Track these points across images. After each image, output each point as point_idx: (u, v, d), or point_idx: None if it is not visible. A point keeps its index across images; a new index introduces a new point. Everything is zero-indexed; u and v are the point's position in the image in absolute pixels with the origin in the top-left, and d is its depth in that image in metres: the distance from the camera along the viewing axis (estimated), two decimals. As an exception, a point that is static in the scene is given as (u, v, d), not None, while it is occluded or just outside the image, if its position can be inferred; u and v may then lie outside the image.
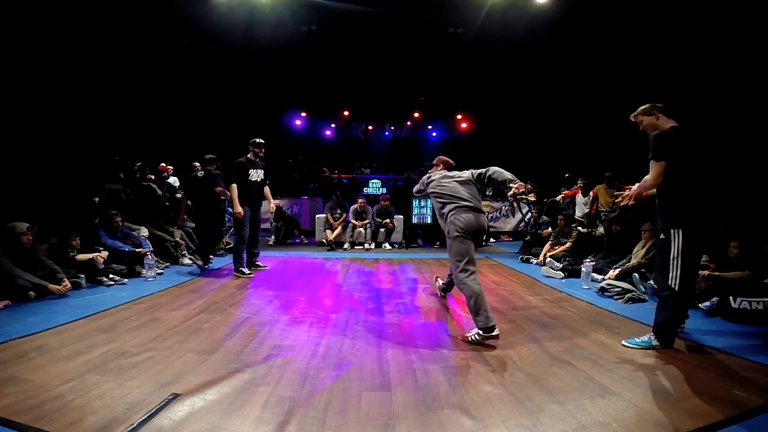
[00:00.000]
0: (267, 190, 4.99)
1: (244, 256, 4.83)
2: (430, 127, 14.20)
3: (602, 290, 4.04)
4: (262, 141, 4.83)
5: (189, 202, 5.71)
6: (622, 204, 2.79)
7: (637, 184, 2.64)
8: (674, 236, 2.49)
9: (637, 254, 4.28)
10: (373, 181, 10.60)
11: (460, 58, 9.48)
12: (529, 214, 8.39)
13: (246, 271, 4.72)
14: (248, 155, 4.81)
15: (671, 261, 2.49)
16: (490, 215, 8.73)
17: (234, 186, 4.65)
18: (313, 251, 6.81)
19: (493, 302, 3.76)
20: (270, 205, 5.07)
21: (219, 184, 4.94)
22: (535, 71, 9.50)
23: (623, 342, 2.70)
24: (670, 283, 2.50)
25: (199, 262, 5.11)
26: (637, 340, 2.67)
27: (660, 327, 2.61)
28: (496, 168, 3.06)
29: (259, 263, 5.11)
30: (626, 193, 2.74)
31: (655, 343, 2.61)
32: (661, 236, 2.56)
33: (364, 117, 13.80)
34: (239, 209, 4.59)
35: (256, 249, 5.07)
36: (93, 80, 7.30)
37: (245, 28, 7.79)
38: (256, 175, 4.79)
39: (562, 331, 2.96)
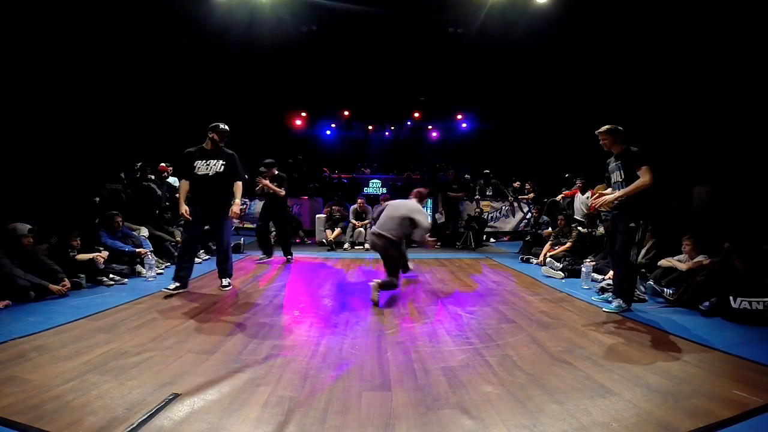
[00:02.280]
0: (238, 186, 4.05)
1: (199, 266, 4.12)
2: (430, 127, 14.20)
3: (602, 290, 4.04)
4: (220, 126, 3.92)
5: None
6: (598, 207, 3.56)
7: (624, 190, 3.34)
8: (640, 226, 3.34)
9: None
10: (373, 181, 10.61)
11: (460, 58, 9.48)
12: (530, 214, 8.39)
13: (170, 287, 3.81)
14: (203, 143, 3.96)
15: (636, 243, 3.37)
16: (490, 215, 8.73)
17: (183, 182, 3.95)
18: (313, 251, 6.81)
19: (494, 302, 3.77)
20: (233, 206, 4.01)
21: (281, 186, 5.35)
22: (535, 71, 9.50)
23: (603, 308, 3.52)
24: (632, 259, 3.39)
25: (288, 257, 5.67)
26: (612, 305, 3.50)
27: (626, 292, 3.48)
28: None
29: (224, 282, 4.09)
30: (608, 197, 3.43)
31: (623, 305, 3.45)
32: (631, 225, 3.34)
33: (364, 117, 13.80)
34: (183, 208, 3.88)
35: (224, 263, 4.09)
36: (93, 80, 7.31)
37: (245, 28, 7.79)
38: (206, 167, 3.87)
39: (562, 331, 2.96)
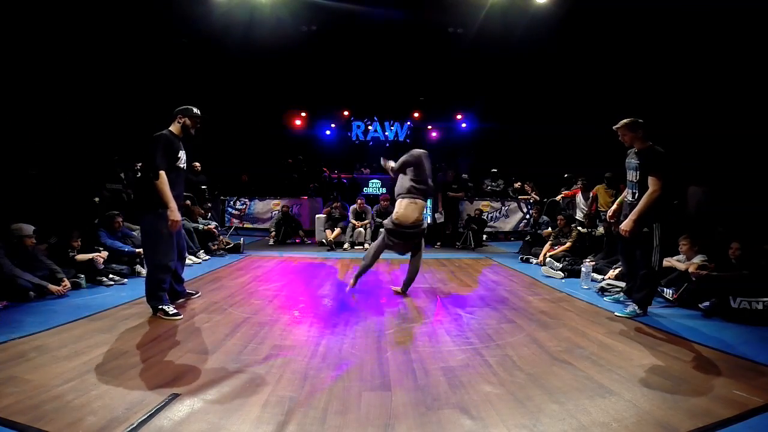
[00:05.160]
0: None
1: (167, 285, 3.22)
2: (430, 127, 14.19)
3: (602, 290, 4.05)
4: (194, 109, 3.25)
5: None
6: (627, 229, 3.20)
7: (639, 206, 3.13)
8: (655, 229, 3.16)
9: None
10: (373, 181, 10.60)
11: (460, 58, 9.49)
12: (529, 214, 8.39)
13: (170, 310, 3.14)
14: (171, 127, 3.18)
15: (654, 248, 3.17)
16: (489, 215, 8.73)
17: (164, 174, 3.00)
18: (313, 251, 6.81)
19: (494, 302, 3.77)
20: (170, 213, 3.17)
21: None
22: (535, 71, 9.51)
23: (616, 313, 3.37)
24: (653, 265, 3.19)
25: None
26: (625, 310, 3.36)
27: (643, 299, 3.31)
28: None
29: (189, 291, 3.68)
30: (626, 227, 3.18)
31: (639, 312, 3.31)
32: (645, 230, 3.17)
33: (364, 117, 13.80)
34: (177, 215, 3.02)
35: (181, 273, 3.50)
36: (93, 80, 7.32)
37: (245, 28, 7.80)
38: (184, 159, 3.23)
39: (562, 331, 2.96)
